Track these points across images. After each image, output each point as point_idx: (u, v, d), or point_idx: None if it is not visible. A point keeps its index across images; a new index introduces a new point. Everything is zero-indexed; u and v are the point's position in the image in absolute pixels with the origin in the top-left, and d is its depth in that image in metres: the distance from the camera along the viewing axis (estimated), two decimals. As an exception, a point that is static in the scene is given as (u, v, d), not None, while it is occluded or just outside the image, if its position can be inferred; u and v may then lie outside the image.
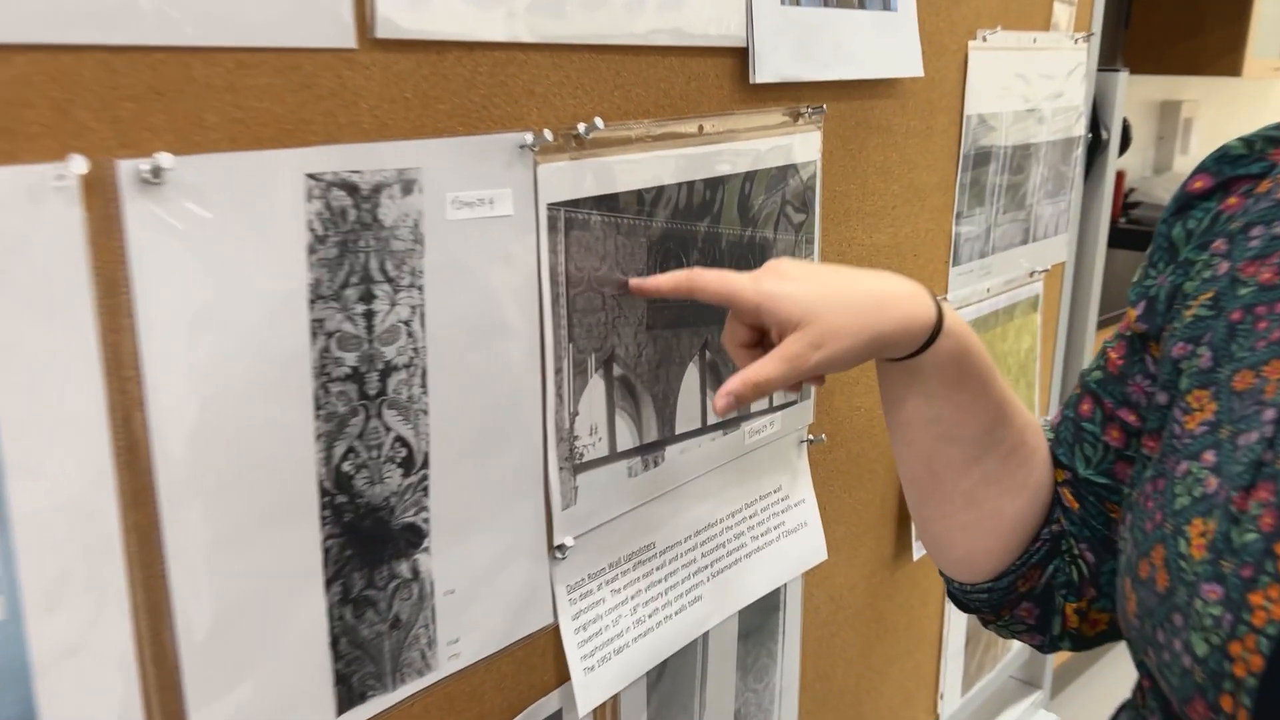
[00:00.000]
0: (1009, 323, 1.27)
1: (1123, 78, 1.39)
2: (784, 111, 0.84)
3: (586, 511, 0.73)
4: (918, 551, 1.15)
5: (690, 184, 0.76)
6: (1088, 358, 1.48)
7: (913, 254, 1.06)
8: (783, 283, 0.59)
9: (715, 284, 0.62)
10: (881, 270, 0.62)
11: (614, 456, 0.75)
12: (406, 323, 0.60)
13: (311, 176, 0.54)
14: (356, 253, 0.57)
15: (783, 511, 0.92)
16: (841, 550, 1.04)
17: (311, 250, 0.55)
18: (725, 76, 0.78)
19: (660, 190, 0.74)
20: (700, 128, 0.77)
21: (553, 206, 0.66)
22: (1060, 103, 1.26)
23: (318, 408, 0.56)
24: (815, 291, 0.58)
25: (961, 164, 1.10)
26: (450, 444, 0.63)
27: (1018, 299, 1.28)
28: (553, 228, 0.67)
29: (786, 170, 0.85)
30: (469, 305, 0.63)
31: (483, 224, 0.62)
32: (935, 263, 1.10)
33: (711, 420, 0.83)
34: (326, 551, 0.58)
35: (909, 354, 0.60)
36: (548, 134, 0.64)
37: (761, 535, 0.90)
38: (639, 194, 0.72)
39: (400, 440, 0.61)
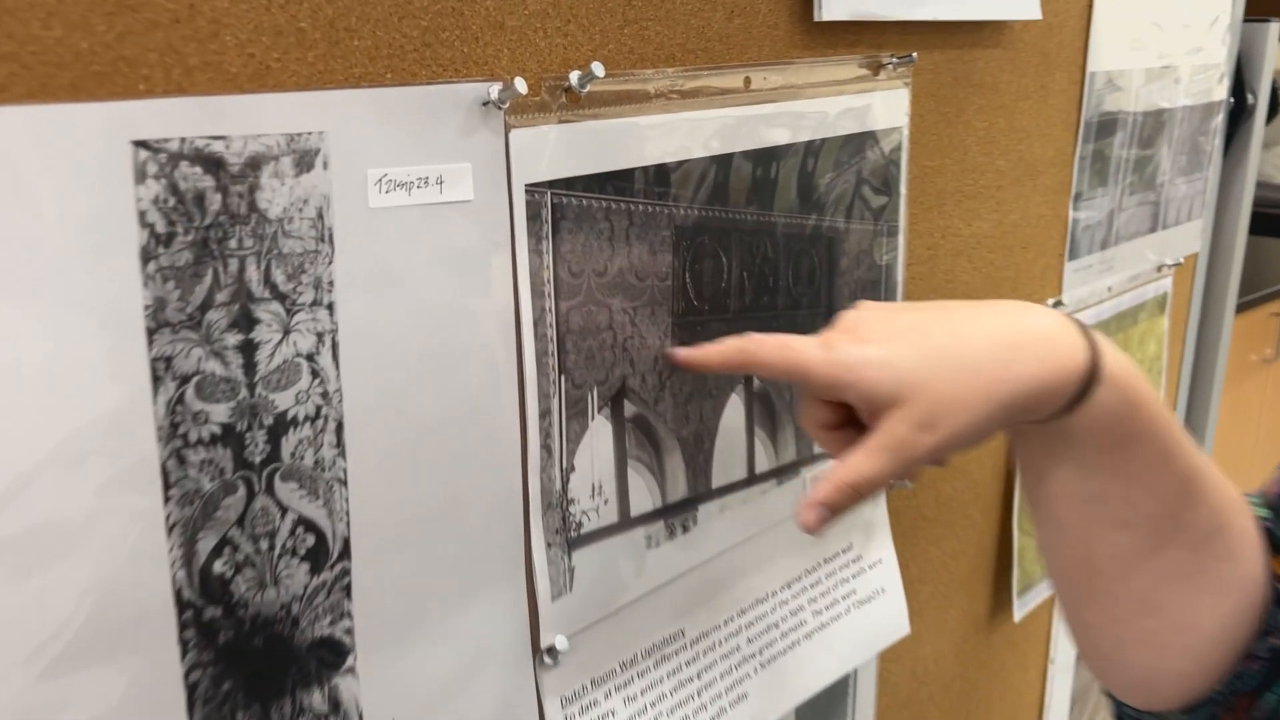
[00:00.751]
0: (1132, 328, 1.05)
1: (1274, 29, 1.14)
2: (860, 61, 0.64)
3: (586, 600, 0.54)
4: (1020, 610, 0.94)
5: (732, 158, 0.57)
6: (1223, 365, 1.24)
7: (1021, 246, 0.85)
8: (865, 346, 0.44)
9: (776, 357, 0.46)
10: (999, 301, 0.46)
11: (626, 523, 0.56)
12: (310, 356, 0.41)
13: (143, 145, 0.36)
14: (224, 258, 0.38)
15: (854, 577, 0.73)
16: (926, 615, 0.84)
17: (148, 255, 0.37)
18: (781, 12, 0.58)
19: (690, 166, 0.54)
20: (747, 81, 0.57)
21: (534, 189, 0.47)
22: (1199, 59, 1.03)
23: (169, 485, 0.38)
24: (912, 351, 0.43)
25: (1082, 133, 0.89)
26: (382, 524, 0.45)
27: (1143, 299, 1.05)
28: (534, 217, 0.48)
29: (864, 140, 0.65)
30: (407, 329, 0.44)
31: (427, 214, 0.44)
32: (1048, 256, 0.89)
33: (761, 467, 0.64)
34: (192, 688, 0.40)
35: (1054, 414, 0.42)
36: (520, 84, 0.44)
37: (827, 609, 0.70)
38: (660, 171, 0.53)
39: (305, 523, 0.43)
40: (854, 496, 0.43)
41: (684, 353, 0.53)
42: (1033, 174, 0.84)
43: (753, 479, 0.63)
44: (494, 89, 0.45)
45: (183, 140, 0.37)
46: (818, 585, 0.70)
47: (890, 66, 0.66)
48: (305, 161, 0.40)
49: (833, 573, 0.71)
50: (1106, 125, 0.92)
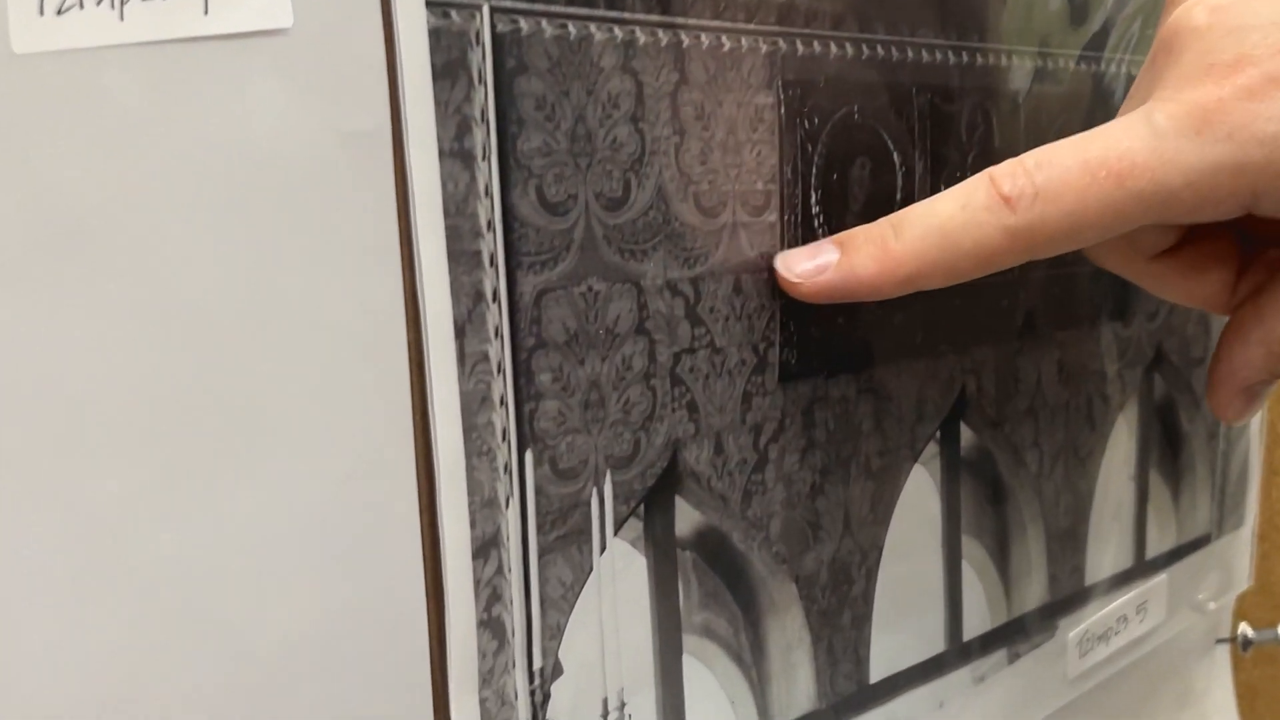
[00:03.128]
0: None
1: None
2: None
3: None
4: None
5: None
6: None
7: None
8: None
9: (1105, 199, 0.37)
10: None
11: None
12: None
13: None
14: None
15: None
16: None
17: None
18: None
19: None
20: None
21: (445, 1, 0.31)
22: None
23: None
24: None
25: None
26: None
27: None
28: (451, 71, 0.32)
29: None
30: (133, 353, 0.28)
31: (174, 67, 0.28)
32: None
33: (975, 627, 0.48)
34: None
35: None
36: None
37: None
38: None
39: None
40: None
41: (899, 248, 0.39)
42: None
43: (959, 652, 0.47)
44: None
45: None
46: None
47: None
48: None
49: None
50: None
